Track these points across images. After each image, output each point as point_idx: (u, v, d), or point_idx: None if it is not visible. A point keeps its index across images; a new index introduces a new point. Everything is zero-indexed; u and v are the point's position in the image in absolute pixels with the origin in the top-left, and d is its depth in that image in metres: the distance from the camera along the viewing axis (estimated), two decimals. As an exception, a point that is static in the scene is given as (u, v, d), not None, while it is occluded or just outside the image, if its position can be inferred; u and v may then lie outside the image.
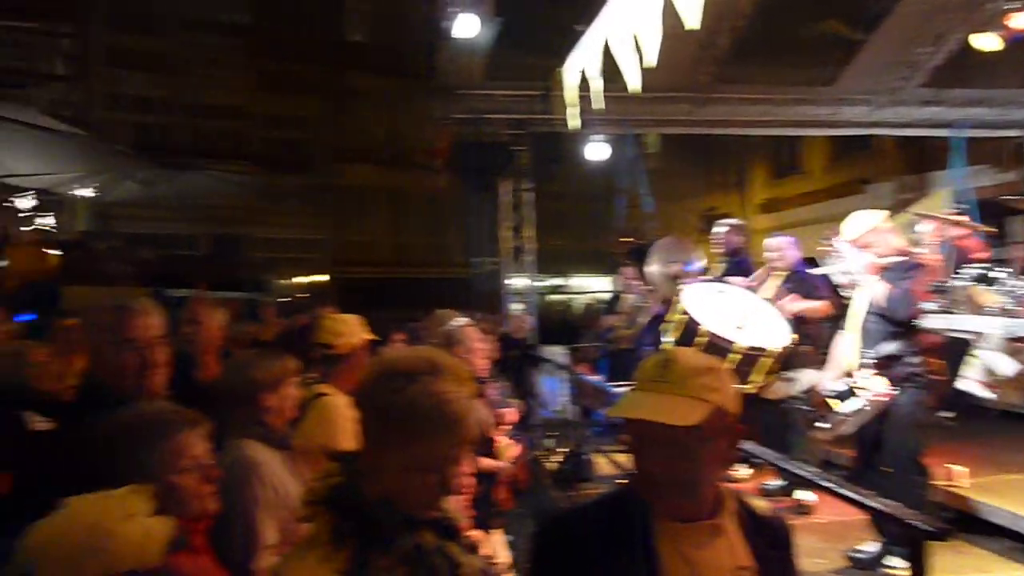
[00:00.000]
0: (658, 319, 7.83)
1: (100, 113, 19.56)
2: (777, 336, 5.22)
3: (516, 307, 10.15)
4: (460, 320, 4.37)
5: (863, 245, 4.61)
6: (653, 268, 7.42)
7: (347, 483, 1.47)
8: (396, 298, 14.47)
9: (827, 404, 4.30)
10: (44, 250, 9.35)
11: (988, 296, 3.18)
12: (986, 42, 8.37)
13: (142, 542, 1.04)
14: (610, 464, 5.77)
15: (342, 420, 3.09)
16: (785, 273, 5.98)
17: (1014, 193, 11.30)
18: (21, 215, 15.79)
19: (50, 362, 3.40)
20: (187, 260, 13.18)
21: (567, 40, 7.45)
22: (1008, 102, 10.38)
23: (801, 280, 5.76)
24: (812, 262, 6.24)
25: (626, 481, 1.62)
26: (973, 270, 4.34)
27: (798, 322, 5.58)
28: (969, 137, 10.43)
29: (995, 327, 3.27)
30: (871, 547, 4.51)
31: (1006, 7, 8.10)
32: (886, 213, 4.81)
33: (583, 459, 6.07)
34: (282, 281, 18.70)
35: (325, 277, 21.55)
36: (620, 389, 5.17)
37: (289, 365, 2.81)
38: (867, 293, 4.59)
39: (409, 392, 1.43)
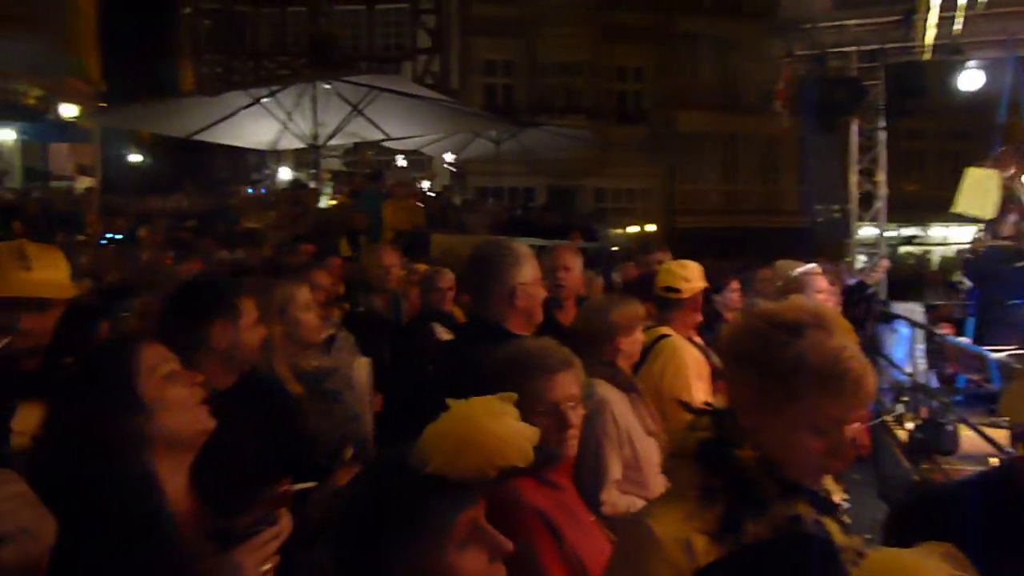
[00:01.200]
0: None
1: (457, 79, 21.66)
2: None
3: (864, 258, 9.33)
4: (805, 267, 4.14)
5: None
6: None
7: (718, 439, 1.39)
8: (728, 248, 14.14)
9: None
10: (415, 203, 10.71)
11: None
12: None
13: (513, 440, 1.14)
14: (978, 438, 5.10)
15: (689, 363, 3.14)
16: None
17: None
18: (396, 173, 18.30)
19: (450, 289, 4.15)
20: (528, 211, 14.17)
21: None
22: None
23: None
24: None
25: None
26: None
27: None
28: None
29: None
30: None
31: None
32: None
33: (944, 429, 5.44)
34: (615, 230, 19.27)
35: (656, 226, 21.75)
36: (997, 355, 4.53)
37: (641, 310, 2.93)
38: None
39: (797, 347, 1.32)
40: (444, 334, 3.91)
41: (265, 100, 10.78)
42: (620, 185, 22.79)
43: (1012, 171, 7.21)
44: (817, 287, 3.99)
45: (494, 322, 2.58)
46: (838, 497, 1.50)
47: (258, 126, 11.87)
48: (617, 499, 2.64)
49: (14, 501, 0.97)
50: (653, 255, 5.88)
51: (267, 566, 1.45)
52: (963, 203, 7.19)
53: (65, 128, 16.18)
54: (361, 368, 3.21)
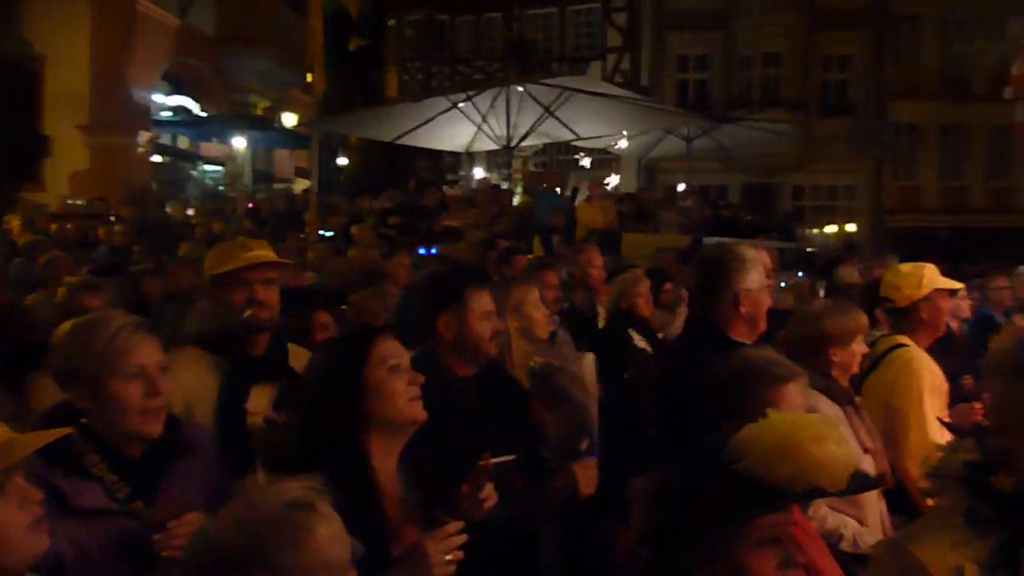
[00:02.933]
0: None
1: (647, 76, 21.39)
2: None
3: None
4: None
5: None
6: None
7: (986, 462, 1.30)
8: (947, 250, 12.82)
9: None
10: (610, 202, 10.71)
11: None
12: None
13: (830, 464, 1.16)
14: None
15: (925, 377, 2.90)
16: None
17: None
18: (587, 172, 18.43)
19: (646, 295, 4.20)
20: (725, 210, 13.70)
21: None
22: None
23: None
24: None
25: None
26: None
27: None
28: None
29: None
30: None
31: None
32: None
33: None
34: (813, 230, 18.17)
35: (858, 226, 20.24)
36: None
37: (860, 320, 2.73)
38: None
39: None
40: (640, 341, 3.90)
41: (462, 104, 11.25)
42: (822, 182, 21.39)
43: None
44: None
45: (718, 328, 2.55)
46: None
47: (455, 129, 12.44)
48: (825, 515, 2.50)
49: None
50: (880, 259, 5.47)
51: (451, 556, 1.59)
52: None
53: (287, 135, 17.84)
54: (587, 364, 3.32)
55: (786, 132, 15.67)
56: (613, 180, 17.45)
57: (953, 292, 3.21)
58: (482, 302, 2.36)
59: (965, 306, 4.89)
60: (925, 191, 21.18)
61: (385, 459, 1.75)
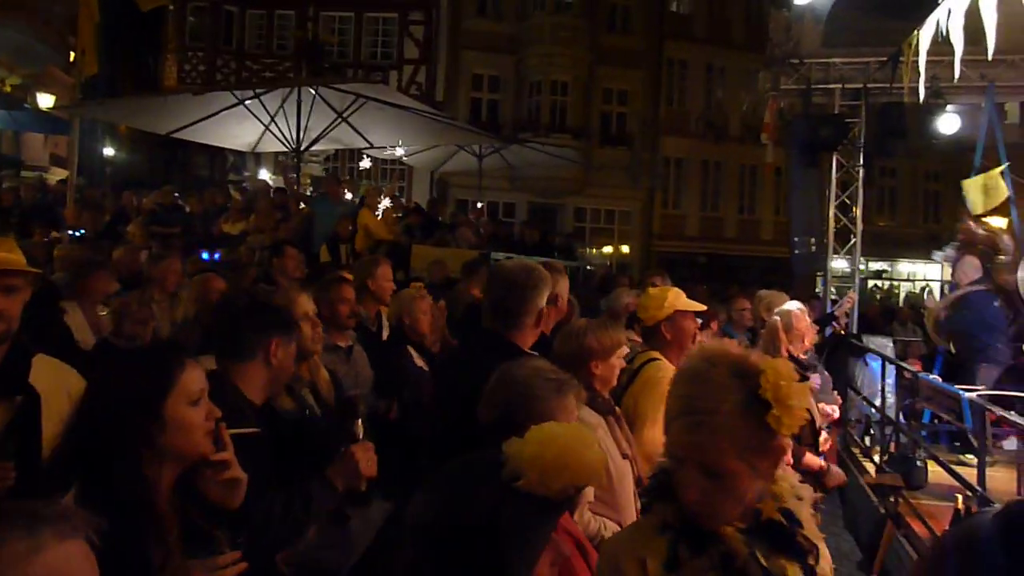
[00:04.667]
0: (1004, 310, 6.81)
1: (443, 91, 21.71)
2: None
3: (834, 292, 9.48)
4: (791, 304, 4.20)
5: None
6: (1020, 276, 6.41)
7: (666, 479, 1.49)
8: (705, 274, 14.27)
9: None
10: (396, 214, 10.65)
11: None
12: None
13: (596, 467, 1.29)
14: (945, 475, 5.19)
15: (665, 388, 3.16)
16: None
17: None
18: (377, 182, 18.23)
19: (430, 311, 4.17)
20: (511, 227, 14.19)
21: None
22: None
23: None
24: None
25: None
26: None
27: None
28: None
29: None
30: None
31: None
32: None
33: (914, 464, 5.52)
34: (591, 250, 19.40)
35: (631, 249, 21.93)
36: (969, 394, 4.62)
37: (619, 336, 2.94)
38: None
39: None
40: (418, 360, 3.91)
41: (249, 102, 10.70)
42: (601, 206, 22.95)
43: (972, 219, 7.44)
44: (801, 324, 4.05)
45: (511, 341, 2.70)
46: (815, 535, 1.51)
47: (241, 127, 11.76)
48: (589, 520, 2.65)
49: None
50: (649, 278, 5.90)
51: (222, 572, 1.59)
52: (977, 206, 7.42)
53: (42, 118, 15.94)
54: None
55: (569, 157, 16.58)
56: (410, 198, 17.46)
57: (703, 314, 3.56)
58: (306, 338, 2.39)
59: (747, 316, 5.49)
60: (688, 220, 23.49)
61: (163, 478, 1.65)
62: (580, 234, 20.55)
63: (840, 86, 8.69)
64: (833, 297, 9.20)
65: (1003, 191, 7.38)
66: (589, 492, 2.77)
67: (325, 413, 2.54)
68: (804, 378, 3.95)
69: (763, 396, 1.37)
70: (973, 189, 7.59)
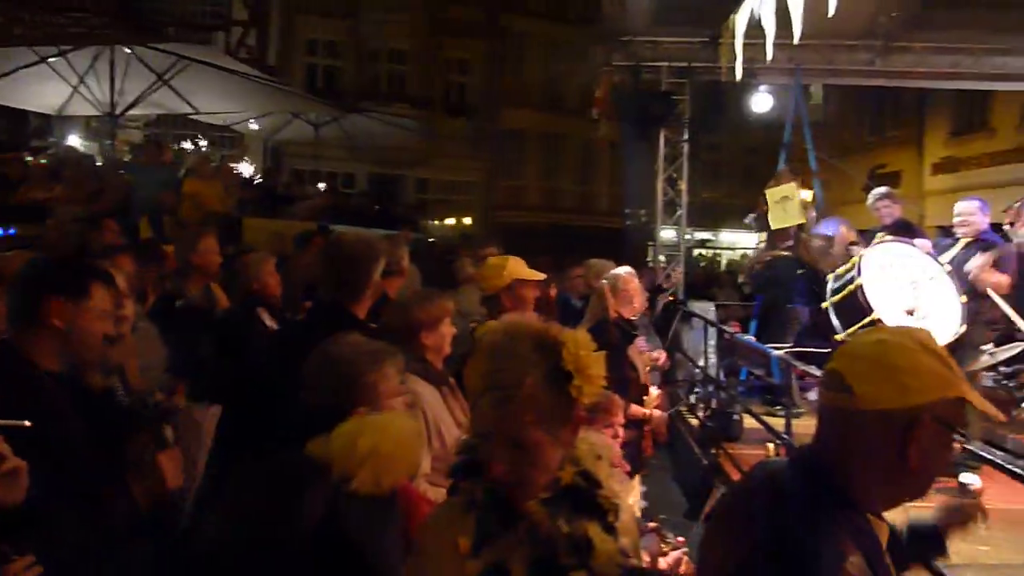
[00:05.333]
0: (809, 276, 7.49)
1: (275, 56, 20.69)
2: (948, 325, 4.85)
3: (663, 260, 10.03)
4: (621, 269, 4.39)
5: None
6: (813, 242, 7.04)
7: (472, 456, 1.52)
8: (545, 244, 14.65)
9: None
10: (226, 184, 10.07)
11: None
12: None
13: (420, 453, 1.24)
14: (759, 426, 5.67)
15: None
16: (970, 239, 5.54)
17: None
18: (205, 150, 17.15)
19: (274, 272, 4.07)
20: (350, 197, 13.86)
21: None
22: None
23: (988, 248, 5.30)
24: (997, 229, 5.76)
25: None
26: None
27: (974, 298, 5.16)
28: None
29: None
30: None
31: None
32: None
33: (732, 418, 5.99)
34: (436, 221, 19.34)
35: (474, 220, 22.08)
36: (777, 352, 5.05)
37: (446, 305, 2.97)
38: None
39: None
40: (270, 321, 3.79)
41: (53, 60, 9.74)
42: (443, 176, 22.90)
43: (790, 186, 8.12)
44: (630, 287, 4.24)
45: (348, 311, 2.79)
46: (631, 497, 1.62)
47: (43, 87, 10.71)
48: (426, 491, 2.68)
49: None
50: (484, 249, 5.96)
51: None
52: (776, 221, 8.00)
53: None
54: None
55: (410, 127, 16.37)
56: (244, 167, 16.55)
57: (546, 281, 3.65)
58: (105, 300, 2.10)
59: (579, 284, 5.67)
60: (528, 191, 23.96)
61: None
62: (422, 205, 20.43)
63: (668, 64, 9.11)
64: (662, 265, 9.72)
65: (796, 214, 7.97)
66: (425, 464, 2.81)
67: (132, 404, 2.34)
68: (632, 337, 4.16)
69: (565, 367, 1.42)
70: (771, 201, 8.18)
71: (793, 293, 7.75)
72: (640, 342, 5.80)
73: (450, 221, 21.15)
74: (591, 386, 1.45)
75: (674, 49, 9.06)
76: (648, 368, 5.16)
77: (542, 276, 3.68)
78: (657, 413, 4.30)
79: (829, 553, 1.28)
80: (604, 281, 4.29)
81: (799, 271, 7.64)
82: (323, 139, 14.34)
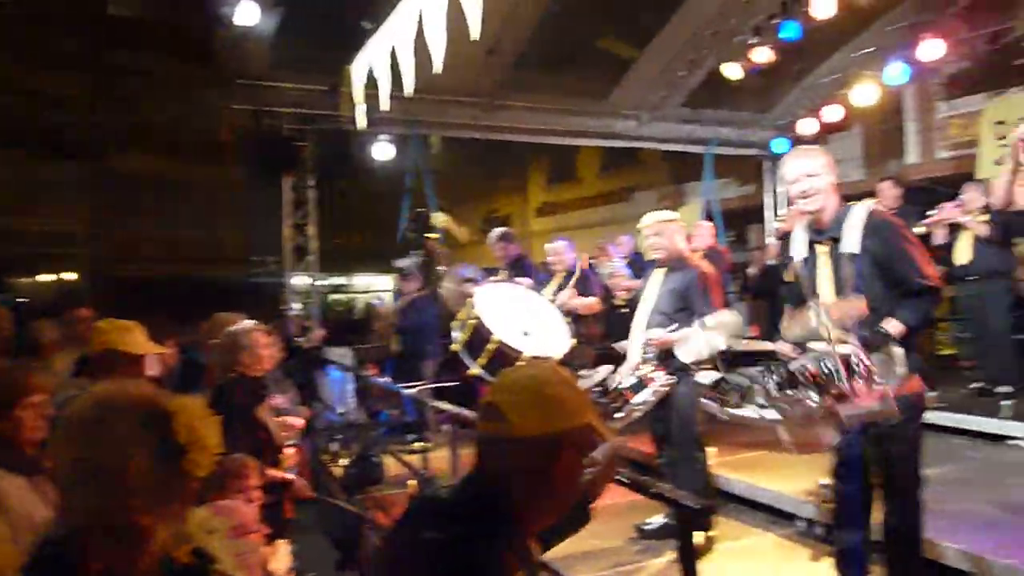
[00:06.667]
0: (436, 318, 7.98)
1: None
2: (559, 342, 5.51)
3: (298, 307, 9.83)
4: (245, 323, 4.17)
5: (656, 235, 4.93)
6: (446, 286, 7.51)
7: (56, 551, 1.33)
8: (167, 297, 13.39)
9: (622, 396, 4.62)
10: None
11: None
12: (731, 71, 9.45)
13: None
14: (399, 465, 5.78)
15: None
16: (564, 272, 6.37)
17: (754, 205, 12.86)
18: None
19: None
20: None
21: (356, 36, 7.37)
22: (748, 124, 11.77)
23: (579, 279, 6.14)
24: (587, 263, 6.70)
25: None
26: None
27: (576, 321, 5.94)
28: (718, 154, 11.68)
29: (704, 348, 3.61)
30: (657, 519, 4.94)
31: (750, 41, 9.21)
32: (677, 215, 5.19)
33: (372, 462, 6.02)
34: (33, 279, 16.61)
35: (82, 274, 19.44)
36: (408, 391, 5.23)
37: (34, 380, 2.54)
38: (653, 292, 4.98)
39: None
40: None
41: None
42: (42, 228, 19.76)
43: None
44: (257, 343, 4.05)
45: None
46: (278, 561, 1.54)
47: None
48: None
49: None
50: (76, 310, 5.24)
51: None
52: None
53: None
54: None
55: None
56: None
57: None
58: None
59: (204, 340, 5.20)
60: (146, 240, 21.77)
61: None
62: (11, 261, 17.43)
63: (291, 110, 9.02)
64: (299, 313, 9.51)
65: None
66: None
67: None
68: (262, 396, 3.98)
69: (177, 441, 1.29)
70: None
71: (426, 329, 8.15)
72: (279, 399, 5.58)
73: (48, 277, 18.34)
74: (207, 458, 1.32)
75: (295, 95, 9.01)
76: (290, 428, 4.98)
77: (142, 350, 3.31)
78: (299, 481, 4.13)
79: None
80: (228, 337, 4.03)
81: (432, 308, 8.06)
82: None
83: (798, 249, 3.62)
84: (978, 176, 8.53)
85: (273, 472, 3.86)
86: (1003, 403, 6.53)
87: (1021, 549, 3.92)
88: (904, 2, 9.32)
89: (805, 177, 3.44)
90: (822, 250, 3.47)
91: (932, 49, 8.64)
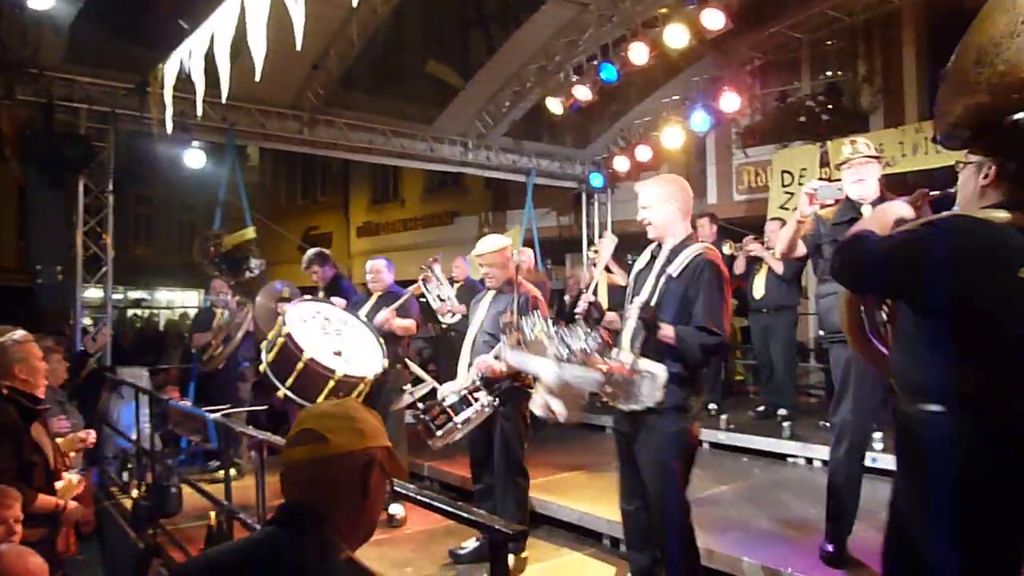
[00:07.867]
0: (251, 336, 7.57)
1: None
2: (372, 363, 5.40)
3: (87, 322, 8.95)
4: (15, 333, 3.71)
5: (491, 264, 4.94)
6: (259, 301, 7.14)
7: None
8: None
9: (445, 413, 4.57)
10: None
11: (550, 343, 3.68)
12: (554, 106, 9.84)
13: None
14: (199, 495, 5.35)
15: None
16: (382, 292, 6.27)
17: (572, 236, 13.42)
18: None
19: None
20: None
21: (170, 34, 6.87)
22: (568, 158, 12.30)
23: (395, 299, 6.05)
24: (405, 284, 6.62)
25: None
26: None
27: (392, 342, 5.83)
28: (539, 184, 12.08)
29: (550, 373, 3.75)
30: (471, 543, 4.90)
31: (572, 79, 9.65)
32: (510, 241, 5.22)
33: (169, 492, 5.54)
34: None
35: None
36: (213, 415, 4.87)
37: None
38: (482, 314, 4.99)
39: None
40: None
41: None
42: None
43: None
44: (31, 356, 3.63)
45: None
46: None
47: None
48: None
49: None
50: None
51: None
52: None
53: None
54: None
55: None
56: None
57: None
58: None
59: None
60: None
61: None
62: None
63: (87, 107, 8.24)
64: (89, 328, 8.63)
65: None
66: None
67: None
68: (36, 414, 3.57)
69: None
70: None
71: (239, 351, 7.68)
72: (60, 421, 5.03)
73: None
74: None
75: (94, 91, 8.25)
76: (73, 451, 4.49)
77: None
78: (72, 505, 3.69)
79: None
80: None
81: (247, 331, 7.62)
82: None
83: (642, 257, 3.88)
84: (769, 217, 9.43)
85: (47, 499, 3.44)
86: (784, 424, 7.19)
87: (802, 559, 4.31)
88: (706, 57, 10.18)
89: (641, 208, 3.75)
90: (657, 265, 3.73)
91: (730, 102, 9.47)
